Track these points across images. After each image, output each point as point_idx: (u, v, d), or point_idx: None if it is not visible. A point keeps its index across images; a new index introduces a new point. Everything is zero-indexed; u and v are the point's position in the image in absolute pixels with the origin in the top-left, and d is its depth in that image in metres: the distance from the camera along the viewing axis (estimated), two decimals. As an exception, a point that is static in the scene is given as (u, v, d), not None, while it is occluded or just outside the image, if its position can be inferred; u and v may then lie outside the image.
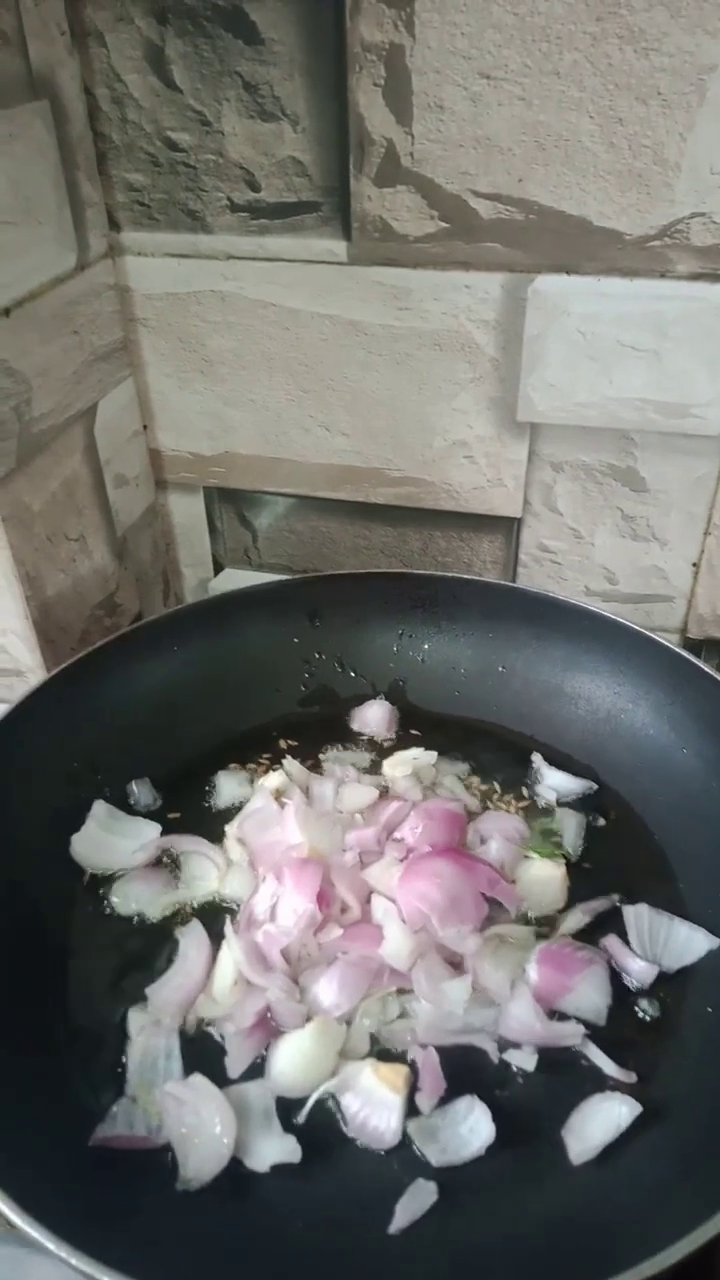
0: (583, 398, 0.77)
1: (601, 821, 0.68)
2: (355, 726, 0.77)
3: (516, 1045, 0.54)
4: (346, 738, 0.76)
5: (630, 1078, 0.53)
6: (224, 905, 0.63)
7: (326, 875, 0.60)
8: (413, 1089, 0.52)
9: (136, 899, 0.64)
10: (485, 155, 0.70)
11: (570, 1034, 0.54)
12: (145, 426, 0.89)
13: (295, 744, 0.76)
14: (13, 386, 0.69)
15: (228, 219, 0.77)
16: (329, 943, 0.58)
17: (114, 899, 0.64)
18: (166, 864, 0.66)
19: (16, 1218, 0.43)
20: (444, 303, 0.76)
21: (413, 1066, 0.53)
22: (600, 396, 0.77)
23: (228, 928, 0.60)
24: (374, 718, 0.77)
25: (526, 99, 0.67)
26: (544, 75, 0.66)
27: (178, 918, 0.63)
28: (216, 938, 0.60)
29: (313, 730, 0.77)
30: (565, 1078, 0.54)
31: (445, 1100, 0.52)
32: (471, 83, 0.68)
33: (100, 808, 0.68)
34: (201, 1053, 0.55)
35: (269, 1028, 0.55)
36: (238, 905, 0.63)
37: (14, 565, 0.72)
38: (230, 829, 0.67)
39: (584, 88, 0.66)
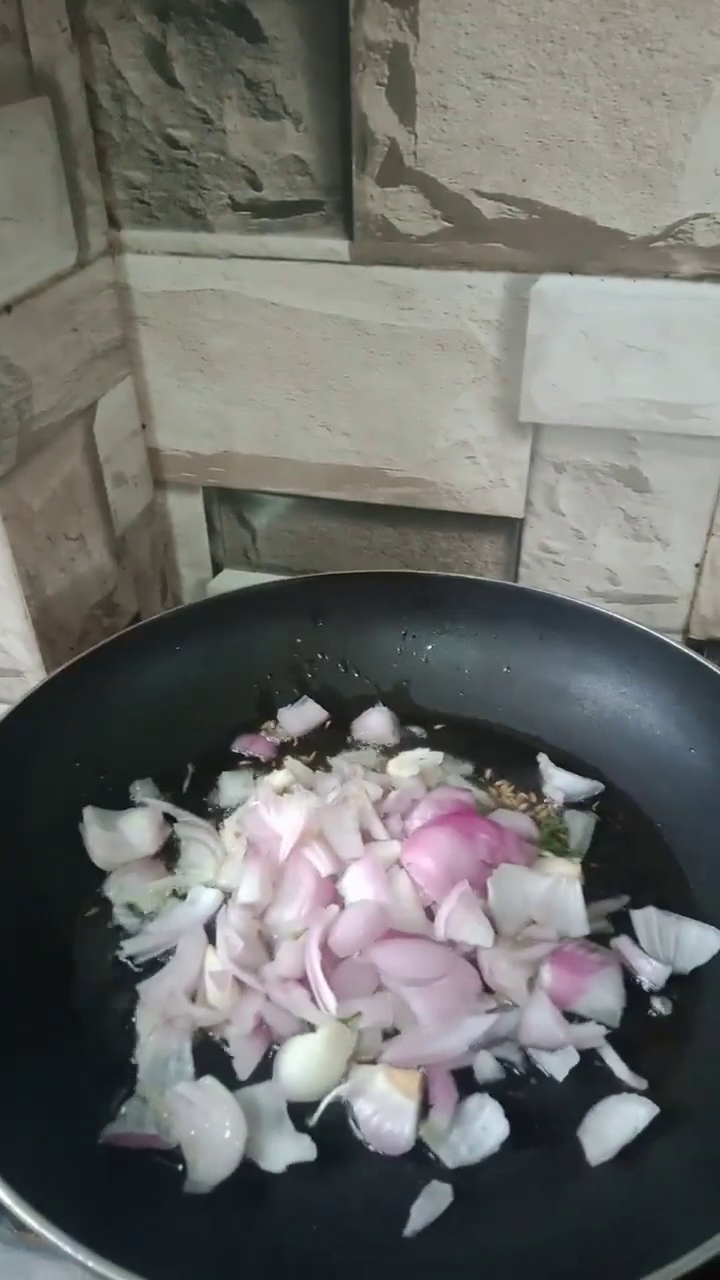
0: (586, 398, 0.77)
1: (608, 823, 0.68)
2: (358, 735, 0.76)
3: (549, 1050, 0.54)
4: (350, 742, 0.76)
5: (641, 1084, 0.52)
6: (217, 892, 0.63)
7: (328, 864, 0.60)
8: (425, 1094, 0.52)
9: (130, 890, 0.64)
10: (489, 155, 0.70)
11: (591, 1036, 0.54)
12: (144, 425, 0.88)
13: (298, 744, 0.75)
14: (13, 384, 0.69)
15: (229, 217, 0.77)
16: (332, 940, 0.57)
17: (109, 891, 0.64)
18: (162, 857, 0.66)
19: (29, 1218, 0.42)
20: (446, 302, 0.76)
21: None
22: (603, 397, 0.76)
23: (218, 925, 0.59)
24: (375, 724, 0.77)
25: (530, 99, 0.67)
26: (548, 75, 0.66)
27: (169, 905, 0.63)
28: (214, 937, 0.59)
29: (317, 731, 0.76)
30: (579, 1079, 0.53)
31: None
32: (475, 82, 0.68)
33: (90, 813, 0.67)
34: (210, 1056, 0.54)
35: (271, 1029, 0.55)
36: (231, 896, 0.62)
37: (14, 565, 0.71)
38: (229, 822, 0.67)
39: (588, 88, 0.66)
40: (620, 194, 0.69)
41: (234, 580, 0.96)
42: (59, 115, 0.71)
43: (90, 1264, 0.41)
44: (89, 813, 0.66)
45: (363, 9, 0.66)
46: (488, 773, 0.72)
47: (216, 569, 0.98)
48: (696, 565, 0.83)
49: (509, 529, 0.87)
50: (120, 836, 0.65)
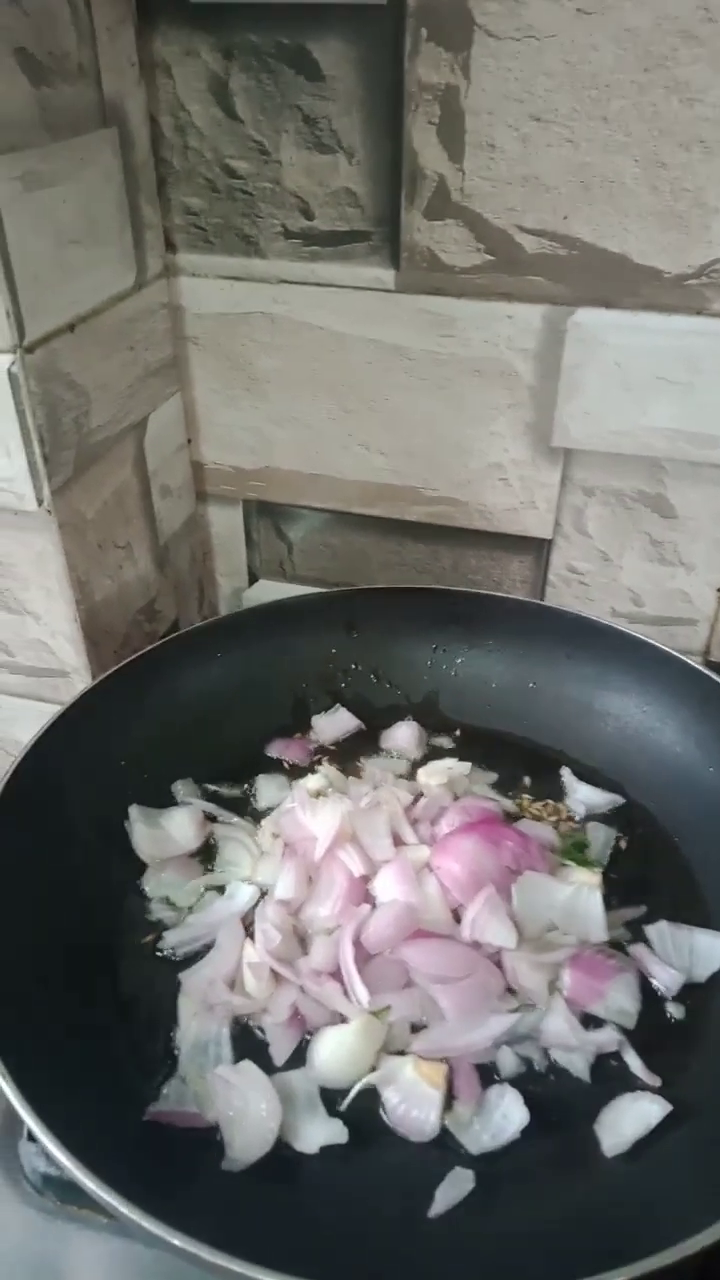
0: (616, 426, 0.80)
1: (628, 836, 0.71)
2: (385, 746, 0.79)
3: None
4: (380, 750, 0.79)
5: (655, 1081, 0.55)
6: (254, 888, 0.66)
7: (360, 865, 0.63)
8: (450, 1085, 0.55)
9: (168, 885, 0.67)
10: (532, 193, 0.73)
11: (607, 1042, 0.57)
12: (190, 440, 0.92)
13: (330, 751, 0.79)
14: (74, 399, 0.72)
15: (281, 245, 0.81)
16: (365, 937, 0.59)
17: (146, 886, 0.67)
18: (199, 855, 0.70)
19: (87, 1180, 0.45)
20: (486, 332, 0.79)
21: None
22: (633, 425, 0.79)
23: (256, 920, 0.62)
24: (403, 737, 0.79)
25: (574, 141, 0.70)
26: (591, 120, 0.69)
27: (205, 900, 0.66)
28: (251, 930, 0.62)
29: (348, 739, 0.80)
30: (596, 1075, 0.56)
31: (477, 1092, 0.55)
32: (522, 124, 0.71)
33: (135, 811, 0.70)
34: (247, 1042, 0.58)
35: (305, 1018, 0.58)
36: (267, 892, 0.65)
37: (68, 571, 0.75)
38: (266, 823, 0.70)
39: (629, 133, 0.69)
40: (657, 234, 0.72)
41: (269, 590, 0.99)
42: (125, 145, 0.75)
43: (137, 1218, 0.44)
44: (135, 810, 0.69)
45: (417, 52, 0.70)
46: (512, 783, 0.75)
47: (252, 579, 1.01)
48: (718, 590, 0.86)
49: (537, 549, 0.90)
50: (164, 833, 0.69)
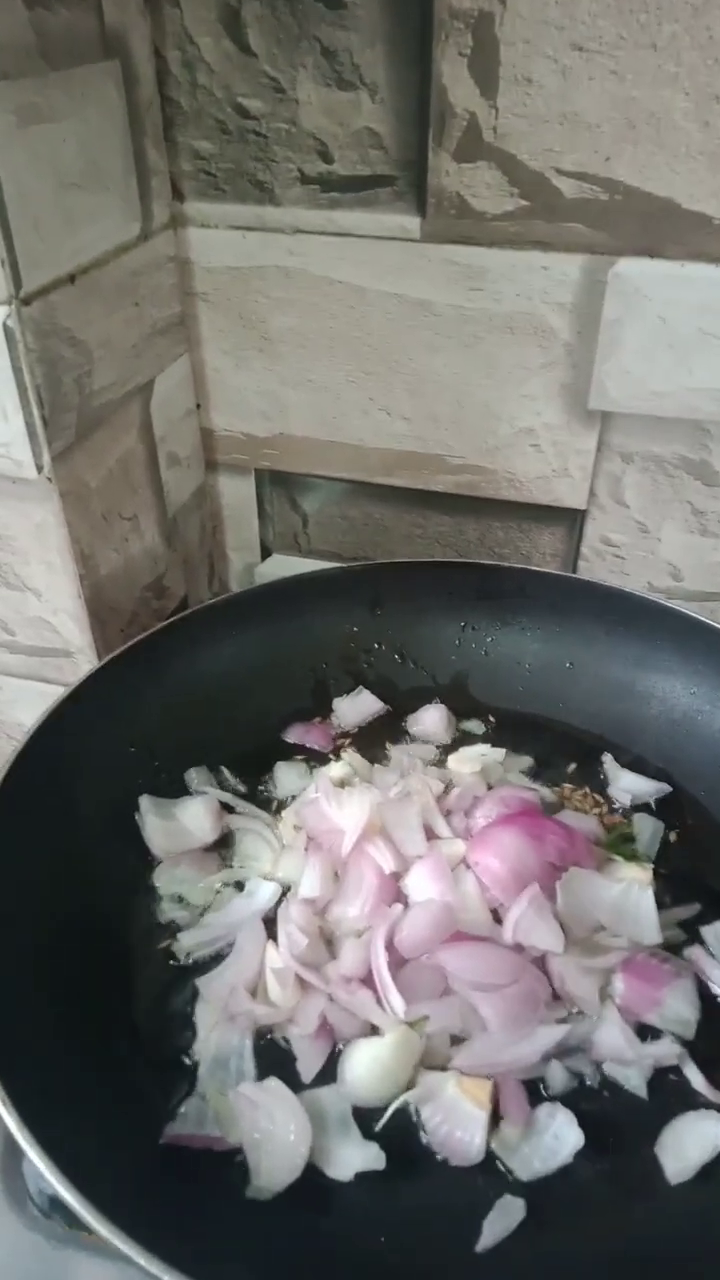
0: (659, 386, 0.75)
1: (677, 828, 0.66)
2: (412, 730, 0.75)
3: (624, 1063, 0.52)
4: (406, 736, 0.74)
5: (720, 1098, 0.51)
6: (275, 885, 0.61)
7: (391, 861, 0.58)
8: (497, 1104, 0.50)
9: (180, 881, 0.62)
10: (572, 132, 0.67)
11: (665, 1055, 0.52)
12: (199, 405, 0.87)
13: (354, 736, 0.74)
14: (75, 357, 0.67)
15: (297, 191, 0.75)
16: (399, 940, 0.55)
17: (157, 882, 0.62)
18: (214, 848, 0.65)
19: (89, 1216, 0.40)
20: (519, 284, 0.74)
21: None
22: (677, 386, 0.74)
23: (280, 921, 0.58)
24: (431, 721, 0.75)
25: (619, 73, 0.65)
26: (639, 48, 0.64)
27: (223, 897, 0.61)
28: (273, 932, 0.58)
29: (372, 723, 0.75)
30: (654, 1092, 0.52)
31: (526, 1111, 0.50)
32: (562, 55, 0.65)
33: (147, 802, 0.65)
34: (271, 1056, 0.53)
35: (334, 1029, 0.53)
36: (289, 890, 0.60)
37: (70, 543, 0.70)
38: (287, 814, 0.65)
39: (681, 62, 0.63)
40: (707, 175, 0.67)
41: (283, 566, 0.94)
42: (128, 81, 0.69)
43: (151, 1268, 0.39)
44: (146, 801, 0.65)
45: (448, -25, 0.64)
46: (550, 772, 0.70)
47: (265, 554, 0.96)
48: (765, 564, 0.81)
49: (570, 520, 0.85)
50: (178, 825, 0.64)
